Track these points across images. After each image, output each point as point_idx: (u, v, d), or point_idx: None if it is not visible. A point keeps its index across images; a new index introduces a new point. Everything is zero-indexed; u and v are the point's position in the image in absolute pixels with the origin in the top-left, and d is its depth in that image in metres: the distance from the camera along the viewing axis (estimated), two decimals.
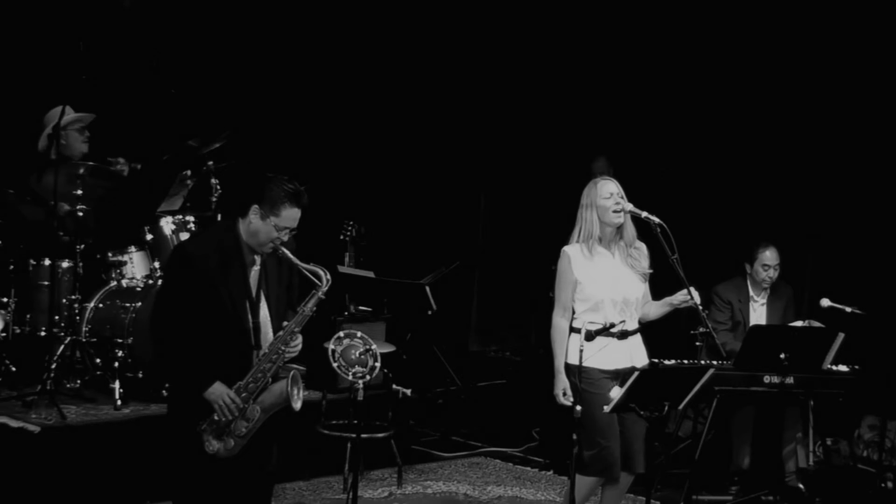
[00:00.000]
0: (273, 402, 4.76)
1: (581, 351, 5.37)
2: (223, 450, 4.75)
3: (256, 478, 4.90)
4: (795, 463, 6.99)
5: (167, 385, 7.21)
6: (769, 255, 7.18)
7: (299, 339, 4.84)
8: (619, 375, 5.46)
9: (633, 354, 5.59)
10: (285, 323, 4.80)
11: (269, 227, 4.74)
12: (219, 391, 4.70)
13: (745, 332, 7.08)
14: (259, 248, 4.79)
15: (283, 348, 4.76)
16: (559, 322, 5.60)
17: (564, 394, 5.51)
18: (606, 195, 5.55)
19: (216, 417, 4.72)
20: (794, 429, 6.98)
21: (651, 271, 5.66)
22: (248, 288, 4.80)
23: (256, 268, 4.84)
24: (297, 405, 4.79)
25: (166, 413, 5.04)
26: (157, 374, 7.16)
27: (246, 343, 4.78)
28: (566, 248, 5.62)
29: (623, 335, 5.49)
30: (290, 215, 4.76)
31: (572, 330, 5.57)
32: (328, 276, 4.81)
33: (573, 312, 5.60)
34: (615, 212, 5.53)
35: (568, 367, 5.51)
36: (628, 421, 5.46)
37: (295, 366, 4.89)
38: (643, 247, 5.66)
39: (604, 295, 5.54)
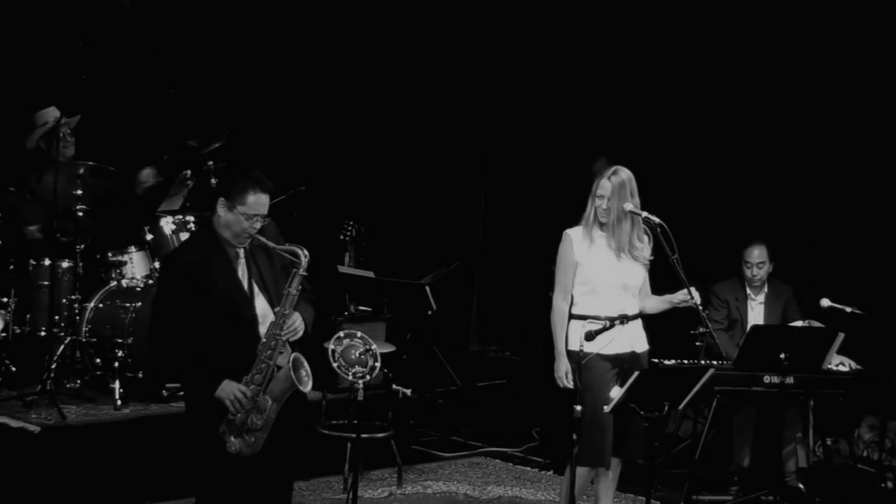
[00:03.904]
0: (282, 389, 4.76)
1: (581, 350, 5.38)
2: (245, 447, 4.76)
3: (277, 476, 4.90)
4: (795, 463, 6.99)
5: (167, 385, 7.25)
6: (751, 253, 7.20)
7: (297, 319, 4.81)
8: (620, 361, 5.52)
9: (634, 340, 5.62)
10: (276, 308, 4.80)
11: (238, 217, 4.75)
12: (228, 388, 4.71)
13: (745, 332, 7.10)
14: (235, 240, 4.80)
15: (278, 332, 4.76)
16: (559, 305, 5.63)
17: (566, 376, 5.54)
18: (599, 194, 5.60)
19: (231, 416, 4.72)
20: (795, 429, 6.98)
21: (652, 258, 5.66)
22: (239, 282, 4.81)
23: (242, 260, 4.85)
24: (307, 388, 4.80)
25: (184, 413, 5.03)
26: (162, 380, 7.17)
27: (247, 337, 4.78)
28: (568, 231, 5.68)
29: (625, 320, 5.49)
30: (257, 201, 4.76)
31: (573, 317, 5.60)
32: (305, 253, 4.80)
33: (572, 298, 5.63)
34: (603, 211, 5.57)
35: (569, 353, 5.53)
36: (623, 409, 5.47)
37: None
38: (646, 238, 5.66)
39: (602, 278, 5.56)
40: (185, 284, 4.71)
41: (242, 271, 4.84)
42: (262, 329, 4.80)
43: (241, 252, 4.84)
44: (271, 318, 4.80)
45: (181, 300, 4.70)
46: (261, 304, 4.84)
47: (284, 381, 4.76)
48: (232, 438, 4.75)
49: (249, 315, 4.79)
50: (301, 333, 4.84)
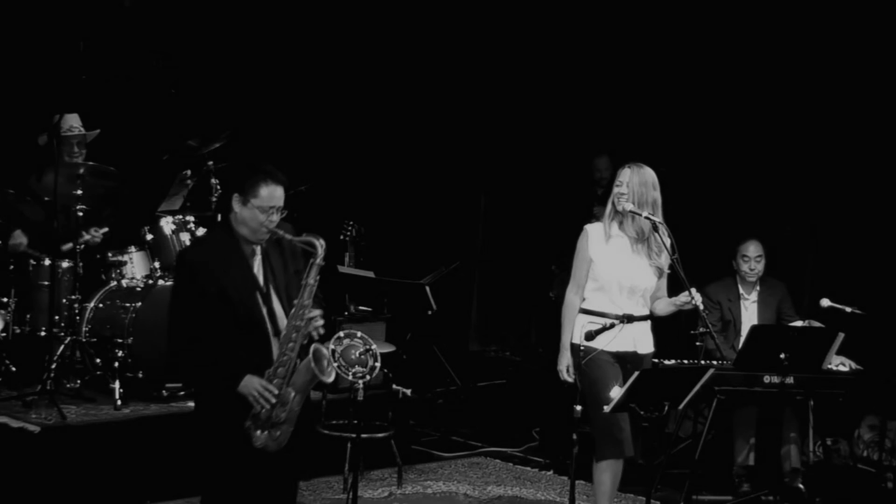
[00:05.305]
0: (304, 381, 4.76)
1: (582, 349, 5.41)
2: (270, 441, 4.75)
3: (283, 476, 4.89)
4: (790, 462, 6.99)
5: (167, 385, 7.25)
6: (748, 248, 7.20)
7: (317, 313, 4.79)
8: (623, 359, 5.55)
9: (637, 340, 5.63)
10: (295, 300, 4.79)
11: (253, 211, 4.73)
12: (251, 383, 4.68)
13: (738, 333, 7.12)
14: (253, 236, 4.77)
15: (298, 324, 4.74)
16: (571, 299, 5.67)
17: (568, 370, 5.58)
18: (618, 181, 5.65)
19: (255, 410, 4.72)
20: (791, 429, 6.98)
21: (669, 272, 5.68)
22: (255, 279, 4.79)
23: (258, 258, 4.84)
24: (330, 378, 4.78)
25: (193, 412, 5.02)
26: (182, 378, 7.16)
27: (264, 333, 4.77)
28: (587, 226, 5.71)
29: (630, 320, 5.53)
30: (270, 193, 4.74)
31: (581, 311, 5.64)
32: (322, 243, 4.79)
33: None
34: (622, 196, 5.60)
35: (574, 346, 5.55)
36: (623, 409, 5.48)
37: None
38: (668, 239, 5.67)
39: (612, 277, 5.59)
40: (199, 280, 4.68)
41: (258, 268, 4.83)
42: (280, 324, 4.79)
43: (258, 250, 4.84)
44: (283, 320, 4.79)
45: (197, 296, 4.68)
46: (276, 301, 4.83)
47: (306, 373, 4.75)
48: (258, 433, 4.74)
49: (267, 310, 4.78)
50: (321, 325, 4.82)
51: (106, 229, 7.67)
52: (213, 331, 4.67)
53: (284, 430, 4.76)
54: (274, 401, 4.71)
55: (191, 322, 4.69)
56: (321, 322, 4.81)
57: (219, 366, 4.69)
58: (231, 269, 4.73)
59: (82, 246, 7.41)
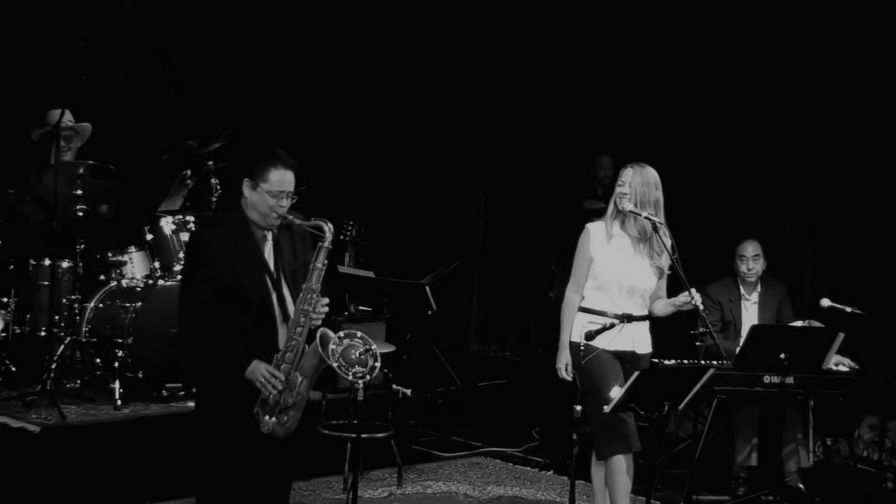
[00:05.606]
0: (312, 365, 4.77)
1: (582, 350, 5.41)
2: (278, 427, 4.75)
3: (277, 476, 4.89)
4: (796, 463, 6.99)
5: (167, 384, 7.25)
6: (745, 248, 7.21)
7: (325, 300, 4.80)
8: (622, 359, 5.56)
9: (636, 339, 5.64)
10: (305, 285, 4.78)
11: (263, 196, 4.74)
12: (258, 369, 4.69)
13: (738, 333, 7.12)
14: (263, 220, 4.77)
15: (307, 308, 4.75)
16: (571, 297, 5.68)
17: (566, 368, 5.59)
18: (620, 181, 5.65)
19: (263, 396, 4.71)
20: (795, 429, 6.98)
21: (669, 272, 5.68)
22: (266, 263, 4.79)
23: (269, 244, 4.84)
24: (335, 363, 4.79)
25: (193, 410, 5.02)
26: (189, 370, 7.08)
27: (273, 318, 4.77)
28: (589, 225, 5.71)
29: (629, 319, 5.54)
30: (279, 177, 4.76)
31: (580, 309, 5.64)
32: (330, 227, 4.82)
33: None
34: (624, 195, 5.59)
35: (573, 345, 5.55)
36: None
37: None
38: (668, 240, 5.67)
39: (612, 277, 5.59)
40: (211, 262, 4.68)
41: (269, 254, 4.83)
42: (289, 310, 4.78)
43: (269, 235, 4.83)
44: (292, 306, 4.79)
45: (208, 279, 4.67)
46: (285, 287, 4.82)
47: (313, 356, 4.76)
48: (266, 418, 4.74)
49: (277, 295, 4.77)
50: (326, 312, 4.82)
51: (105, 207, 7.63)
52: (223, 314, 4.66)
53: (292, 415, 4.77)
54: (281, 386, 4.71)
55: (201, 305, 4.67)
56: (325, 309, 4.82)
57: (227, 350, 4.68)
58: (242, 252, 4.74)
59: (82, 246, 7.39)
